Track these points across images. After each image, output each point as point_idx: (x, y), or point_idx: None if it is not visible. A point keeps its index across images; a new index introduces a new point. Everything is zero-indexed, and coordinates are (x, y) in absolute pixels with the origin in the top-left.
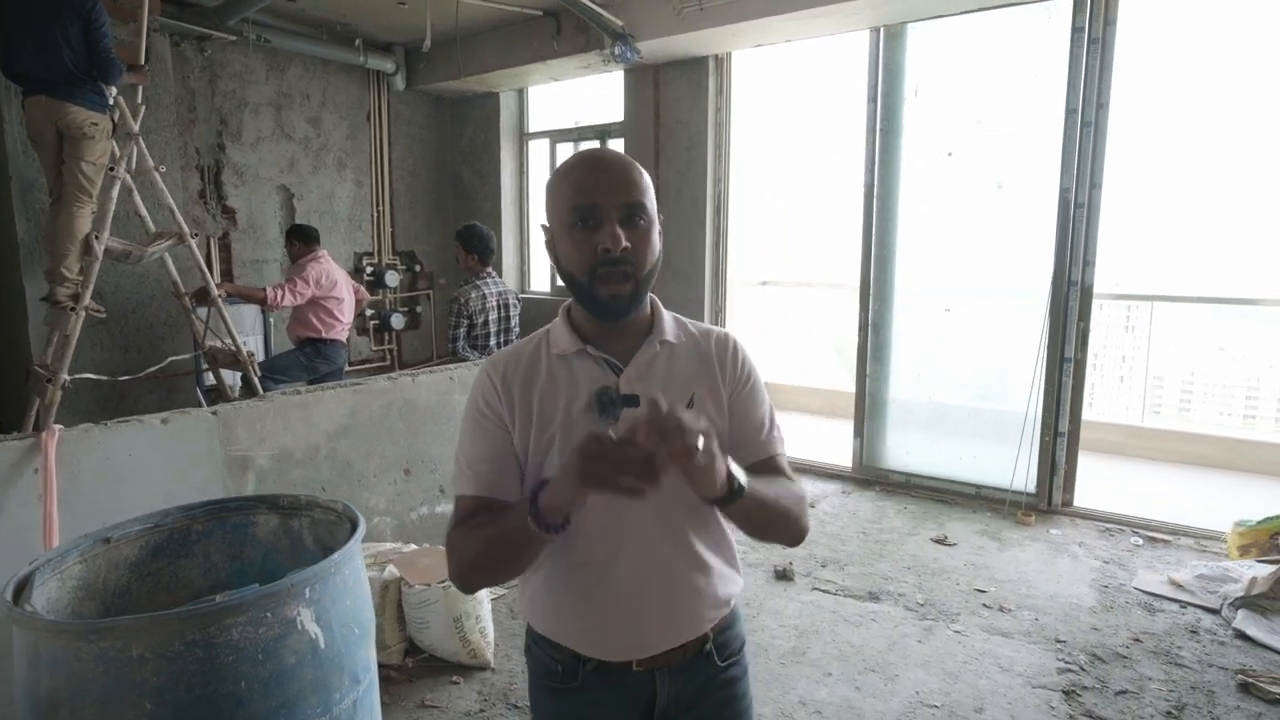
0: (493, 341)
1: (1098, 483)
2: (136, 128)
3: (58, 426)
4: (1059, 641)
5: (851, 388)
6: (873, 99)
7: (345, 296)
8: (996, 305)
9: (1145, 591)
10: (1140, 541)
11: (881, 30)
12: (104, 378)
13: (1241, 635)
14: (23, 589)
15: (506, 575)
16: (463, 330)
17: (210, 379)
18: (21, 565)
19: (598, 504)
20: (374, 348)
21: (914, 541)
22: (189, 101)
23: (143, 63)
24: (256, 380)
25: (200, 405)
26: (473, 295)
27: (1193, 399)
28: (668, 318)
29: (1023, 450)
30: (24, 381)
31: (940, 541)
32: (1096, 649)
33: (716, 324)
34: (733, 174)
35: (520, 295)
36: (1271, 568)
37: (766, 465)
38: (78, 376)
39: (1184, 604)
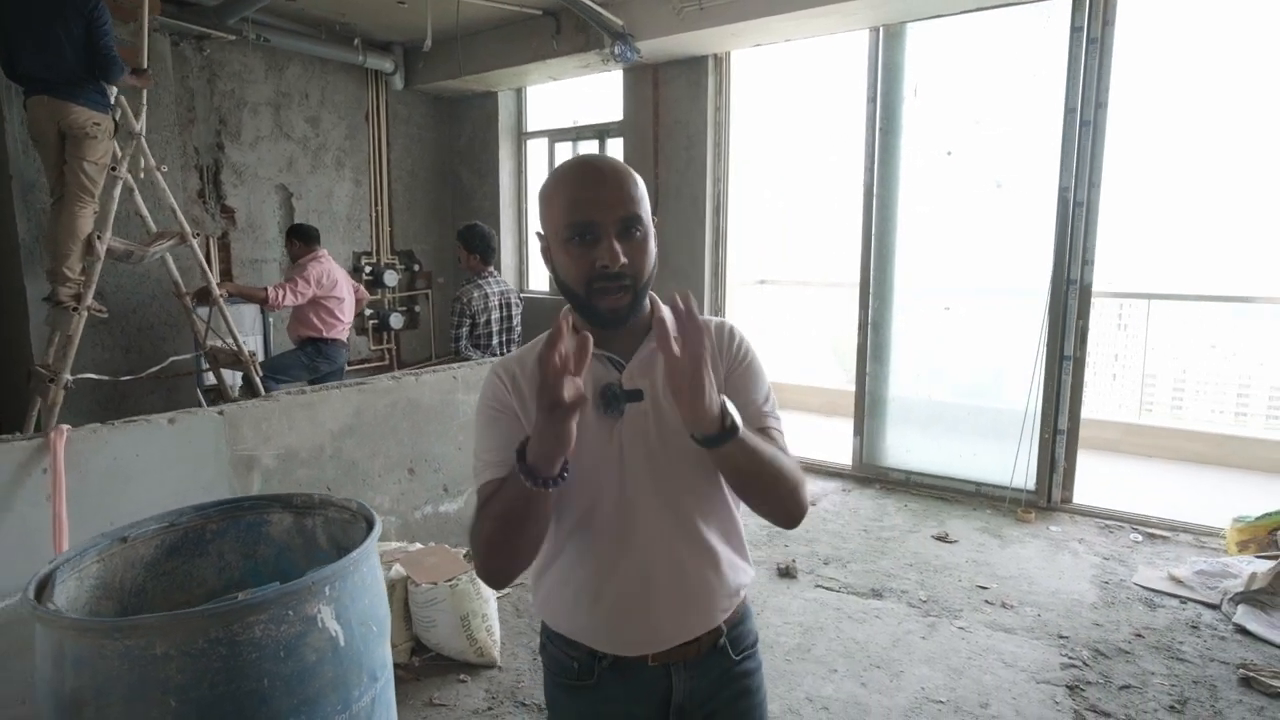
0: (495, 341)
1: (1095, 480)
2: (139, 128)
3: (65, 426)
4: (1062, 637)
5: (849, 387)
6: (872, 98)
7: (346, 296)
8: (996, 304)
9: (1146, 587)
10: (1139, 538)
11: (881, 30)
12: (106, 378)
13: (1242, 630)
14: (44, 588)
15: (522, 551)
16: (465, 329)
17: (210, 379)
18: (31, 564)
19: (606, 499)
20: (372, 347)
21: (915, 539)
22: (188, 101)
23: (144, 64)
24: (258, 380)
25: (201, 405)
26: (475, 295)
27: (1185, 396)
28: (667, 313)
29: (1022, 448)
30: (25, 382)
31: (941, 539)
32: (1099, 644)
33: None
34: (732, 173)
35: (520, 295)
36: (1270, 563)
37: (761, 435)
38: (79, 376)
39: (1184, 600)
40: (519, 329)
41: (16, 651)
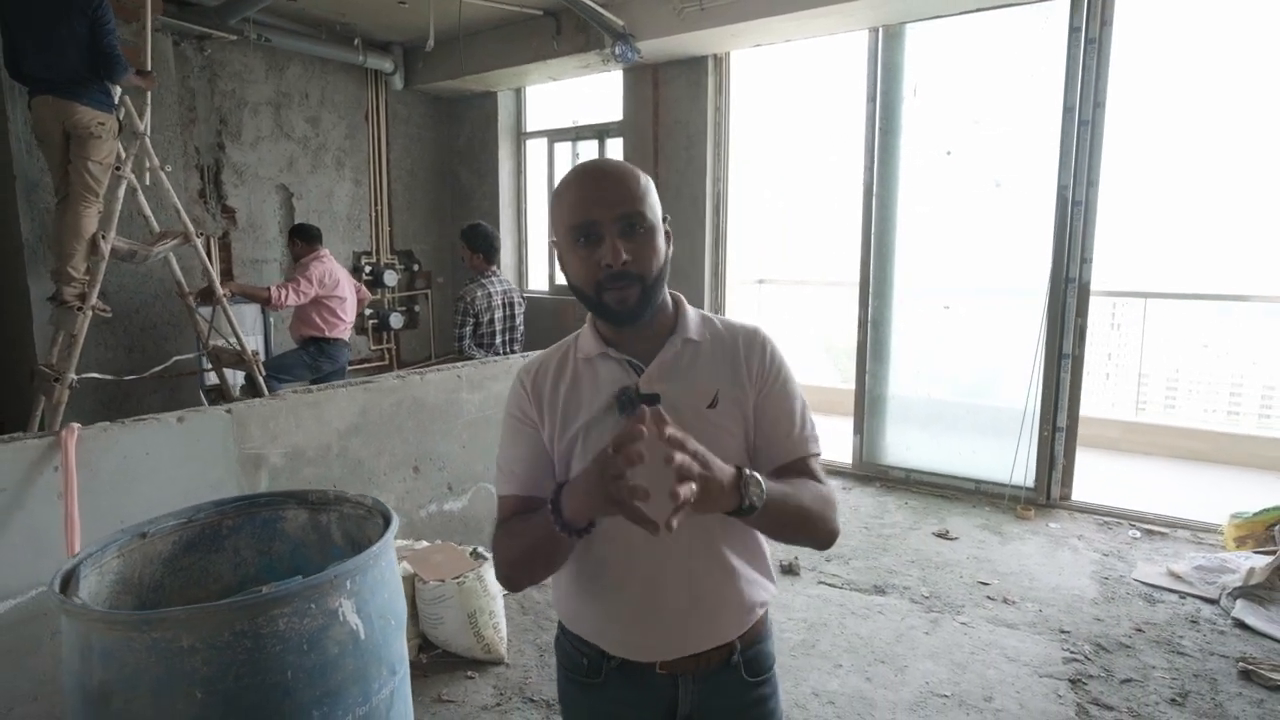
0: (498, 340)
1: (1094, 477)
2: (144, 128)
3: (76, 425)
4: (1063, 632)
5: (844, 385)
6: (872, 98)
7: (348, 295)
8: (995, 302)
9: (1145, 583)
10: (1138, 534)
11: (880, 30)
12: (110, 377)
13: (1241, 624)
14: (68, 582)
15: (546, 573)
16: (469, 329)
17: (212, 378)
18: (41, 562)
19: None
20: (372, 347)
21: (916, 536)
22: (189, 101)
23: (148, 64)
24: (261, 380)
25: (203, 405)
26: (478, 294)
27: (1178, 395)
28: (692, 316)
29: (1021, 445)
30: (29, 381)
31: (942, 536)
32: (1100, 639)
33: None
34: (732, 173)
35: (523, 295)
36: (1268, 558)
37: (796, 467)
38: (84, 376)
39: (1183, 595)
40: (522, 328)
41: (28, 649)
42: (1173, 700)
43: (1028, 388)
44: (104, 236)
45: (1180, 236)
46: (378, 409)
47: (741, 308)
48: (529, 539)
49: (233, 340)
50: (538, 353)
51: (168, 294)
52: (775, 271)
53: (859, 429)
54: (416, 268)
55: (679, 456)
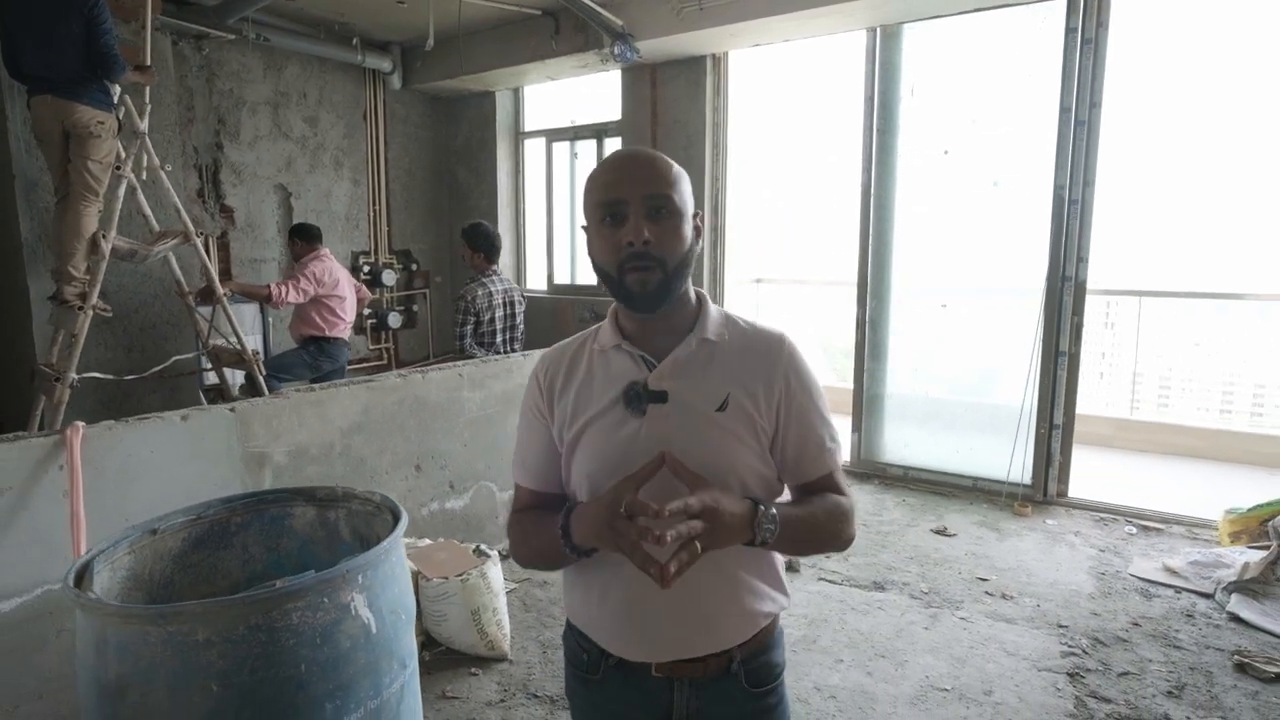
0: (499, 339)
1: (1090, 474)
2: (144, 127)
3: (81, 424)
4: (1061, 626)
5: (841, 384)
6: (870, 98)
7: (347, 295)
8: (992, 301)
9: (1141, 578)
10: (1134, 530)
11: (878, 30)
12: (110, 377)
13: (1235, 618)
14: (82, 577)
15: (554, 570)
16: (470, 328)
17: (211, 378)
18: (46, 561)
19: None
20: (371, 347)
21: (914, 532)
22: (187, 100)
23: (148, 61)
24: (261, 379)
25: (203, 404)
26: (479, 293)
27: (1171, 393)
28: (714, 315)
29: (1018, 443)
30: (29, 381)
31: (940, 532)
32: (1097, 633)
33: None
34: (730, 173)
35: (524, 294)
36: (1262, 553)
37: (820, 484)
38: (84, 376)
39: (1179, 589)
40: (522, 327)
41: (34, 647)
42: (1169, 693)
43: (1024, 386)
44: (104, 236)
45: (1174, 236)
46: (380, 407)
47: (740, 307)
48: (539, 543)
49: (233, 339)
50: (556, 345)
51: (167, 293)
52: (773, 271)
53: (857, 427)
54: (415, 267)
55: (681, 528)
